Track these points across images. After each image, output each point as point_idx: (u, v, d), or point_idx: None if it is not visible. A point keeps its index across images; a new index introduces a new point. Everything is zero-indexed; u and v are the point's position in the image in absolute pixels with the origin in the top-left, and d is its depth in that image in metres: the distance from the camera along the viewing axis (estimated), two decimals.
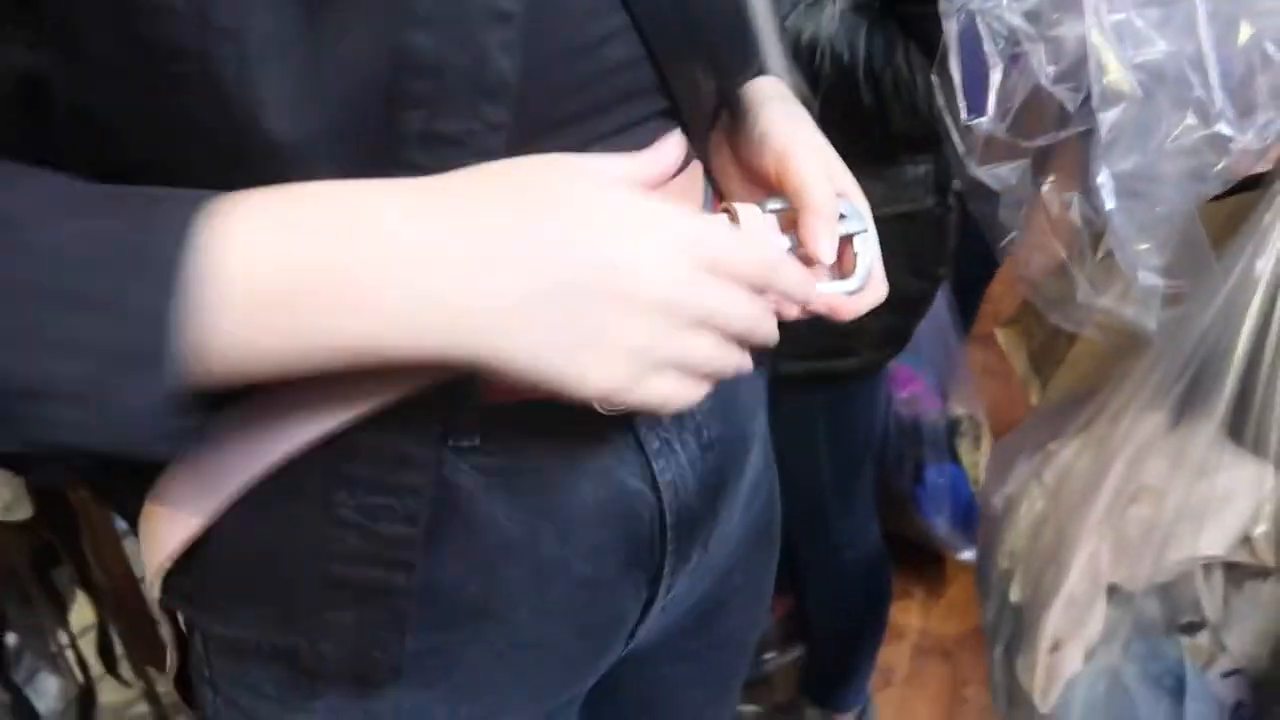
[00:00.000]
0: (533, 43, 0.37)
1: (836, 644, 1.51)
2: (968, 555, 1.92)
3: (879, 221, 1.10)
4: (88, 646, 1.12)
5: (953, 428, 1.83)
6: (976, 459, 1.85)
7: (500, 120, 0.37)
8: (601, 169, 0.41)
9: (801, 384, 1.09)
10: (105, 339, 0.32)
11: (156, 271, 0.32)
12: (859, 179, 1.00)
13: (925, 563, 1.94)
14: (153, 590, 0.45)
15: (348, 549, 0.42)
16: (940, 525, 1.88)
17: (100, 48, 0.34)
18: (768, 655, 1.69)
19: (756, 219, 0.45)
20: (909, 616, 1.93)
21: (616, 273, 0.37)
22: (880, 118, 0.89)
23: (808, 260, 0.47)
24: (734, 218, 0.44)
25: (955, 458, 1.85)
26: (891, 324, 1.08)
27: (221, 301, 0.33)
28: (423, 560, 0.43)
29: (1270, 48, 0.51)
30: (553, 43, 0.39)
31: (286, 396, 0.39)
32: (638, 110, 0.45)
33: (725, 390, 0.52)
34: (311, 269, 0.34)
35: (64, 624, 1.07)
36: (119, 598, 1.09)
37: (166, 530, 0.43)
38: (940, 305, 1.70)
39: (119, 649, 1.12)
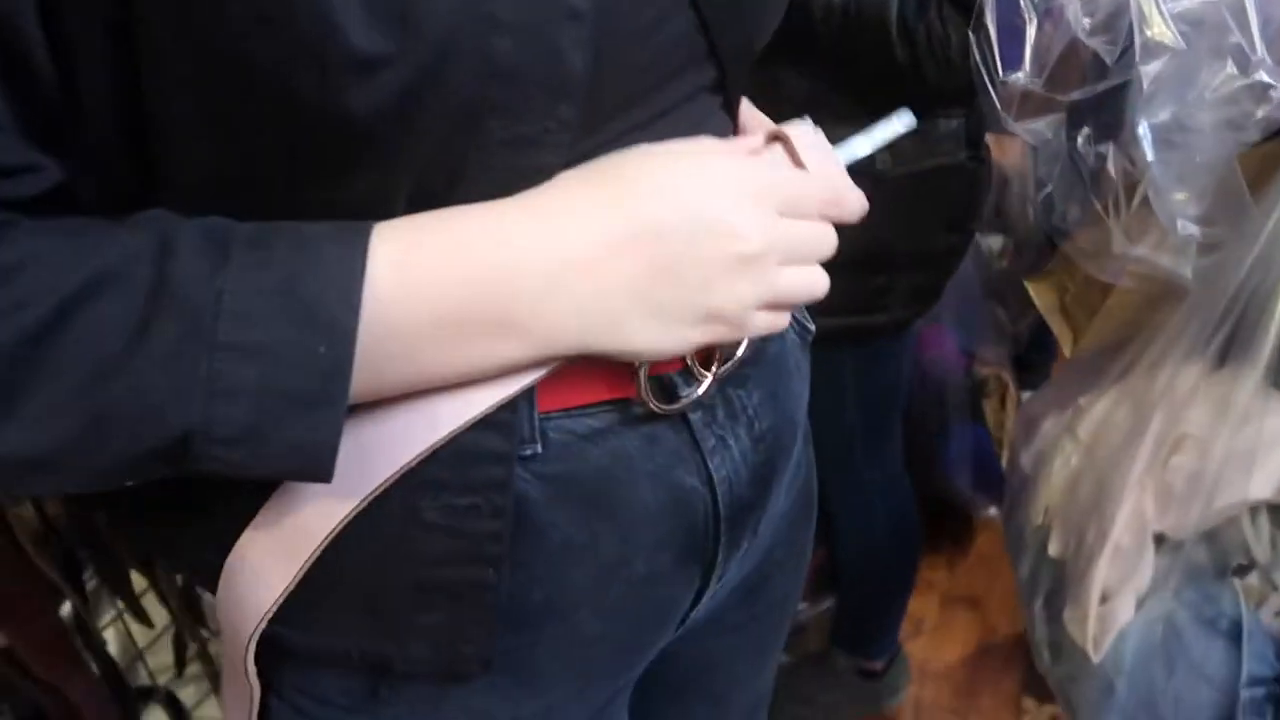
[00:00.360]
0: (600, 35, 0.38)
1: (867, 594, 1.53)
2: (991, 513, 1.94)
3: (912, 177, 1.10)
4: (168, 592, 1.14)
5: (978, 388, 1.84)
6: (1002, 419, 1.86)
7: (571, 117, 0.38)
8: (698, 147, 0.43)
9: (832, 339, 1.10)
10: (275, 386, 0.34)
11: (328, 324, 0.35)
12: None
13: (951, 519, 1.96)
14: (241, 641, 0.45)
15: (436, 552, 0.42)
16: (964, 484, 1.90)
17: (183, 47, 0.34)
18: (799, 606, 1.71)
19: (814, 146, 0.45)
20: (936, 570, 1.96)
21: (717, 237, 0.40)
22: (914, 73, 0.88)
23: None
24: (788, 144, 0.45)
25: (980, 418, 1.86)
26: (923, 280, 1.08)
27: (389, 335, 0.36)
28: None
29: None
30: (617, 31, 0.40)
31: (384, 420, 0.40)
32: (690, 82, 0.45)
33: (777, 381, 0.54)
34: (473, 295, 0.37)
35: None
36: None
37: (259, 590, 0.42)
38: (967, 266, 1.70)
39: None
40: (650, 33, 0.42)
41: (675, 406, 0.46)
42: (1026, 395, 1.87)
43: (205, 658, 1.20)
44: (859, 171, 1.17)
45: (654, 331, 0.40)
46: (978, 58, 0.51)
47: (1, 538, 0.82)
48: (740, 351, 0.49)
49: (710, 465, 0.49)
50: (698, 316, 0.41)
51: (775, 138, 0.45)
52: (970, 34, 0.51)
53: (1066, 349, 0.82)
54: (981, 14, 0.50)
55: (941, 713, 1.66)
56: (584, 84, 0.38)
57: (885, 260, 1.03)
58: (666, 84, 0.44)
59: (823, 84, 0.94)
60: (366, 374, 0.36)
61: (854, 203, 0.46)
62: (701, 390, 0.47)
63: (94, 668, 1.00)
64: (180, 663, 1.22)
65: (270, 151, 0.36)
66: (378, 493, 0.40)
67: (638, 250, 0.39)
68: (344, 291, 0.35)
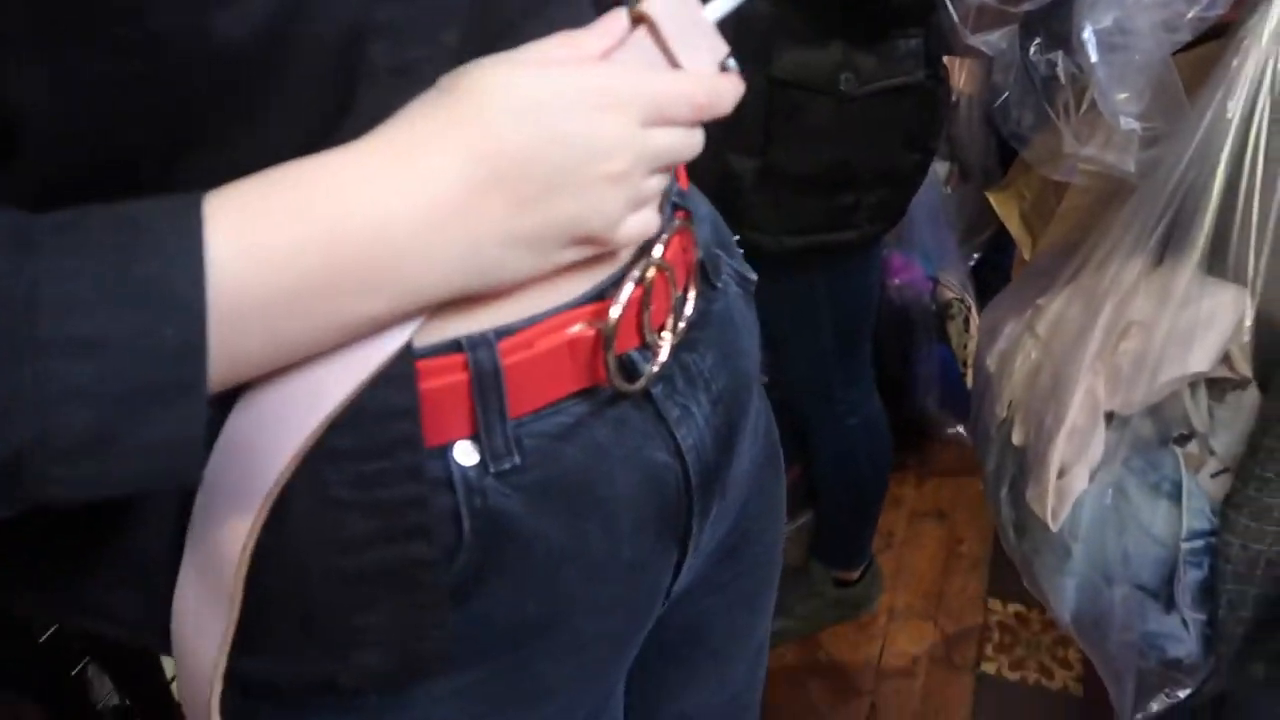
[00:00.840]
0: None
1: (843, 506, 1.59)
2: (957, 430, 2.03)
3: (874, 96, 1.15)
4: None
5: (943, 311, 1.90)
6: (965, 340, 1.93)
7: (453, 43, 0.36)
8: (544, 56, 0.38)
9: (803, 258, 1.15)
10: (119, 381, 0.29)
11: (173, 304, 0.30)
12: (854, 56, 1.07)
13: (918, 438, 2.05)
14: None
15: (357, 534, 0.38)
16: (931, 404, 1.98)
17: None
18: None
19: (678, 17, 0.41)
20: (904, 487, 2.05)
21: (581, 161, 0.37)
22: None
23: None
24: (653, 29, 0.40)
25: (945, 340, 1.93)
26: (888, 197, 1.13)
27: (241, 311, 0.32)
28: (480, 594, 0.42)
29: None
30: None
31: (262, 404, 0.35)
32: (574, 8, 0.43)
33: (726, 339, 0.53)
34: (328, 259, 0.33)
35: None
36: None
37: (203, 643, 0.38)
38: (933, 196, 1.76)
39: None
40: None
41: (641, 382, 0.45)
42: None
43: None
44: (823, 91, 1.22)
45: (525, 262, 0.38)
46: None
47: None
48: (687, 313, 0.49)
49: (677, 436, 0.48)
50: (569, 239, 0.39)
51: (639, 19, 0.40)
52: None
53: (1026, 253, 0.88)
54: None
55: (914, 617, 1.76)
56: (467, 6, 0.36)
57: (852, 178, 1.08)
58: (547, 7, 0.41)
59: (785, 4, 0.98)
60: (223, 357, 0.32)
61: (727, 97, 0.41)
62: (661, 360, 0.46)
63: None
64: None
65: (135, 115, 0.32)
66: (278, 487, 0.35)
67: (502, 189, 0.36)
68: (185, 267, 0.30)
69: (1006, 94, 0.61)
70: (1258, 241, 0.67)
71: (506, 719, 0.47)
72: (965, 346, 1.96)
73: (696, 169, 0.52)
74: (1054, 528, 0.75)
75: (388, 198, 0.34)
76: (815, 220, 1.12)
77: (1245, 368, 0.69)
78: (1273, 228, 0.67)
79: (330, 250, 0.33)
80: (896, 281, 1.87)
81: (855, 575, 1.69)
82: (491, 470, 0.41)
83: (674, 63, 0.40)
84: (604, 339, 0.43)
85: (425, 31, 0.35)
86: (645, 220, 0.41)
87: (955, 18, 0.57)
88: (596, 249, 0.40)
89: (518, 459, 0.42)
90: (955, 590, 1.82)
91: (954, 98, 1.68)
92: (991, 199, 0.87)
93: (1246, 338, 0.67)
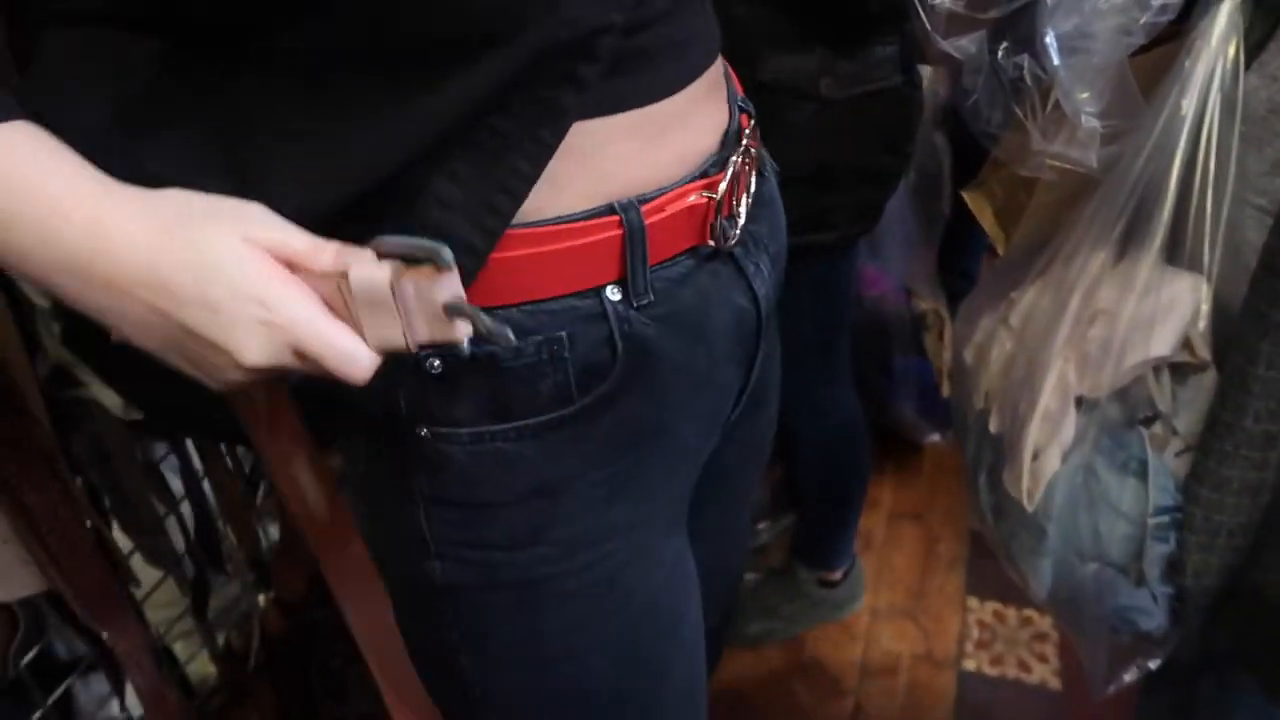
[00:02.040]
0: None
1: (825, 506, 1.63)
2: (933, 438, 2.07)
3: (853, 100, 1.19)
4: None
5: (918, 322, 1.95)
6: (940, 350, 1.98)
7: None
8: (279, 242, 0.46)
9: (788, 259, 1.19)
10: None
11: None
12: (834, 61, 1.13)
13: (895, 445, 2.09)
14: None
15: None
16: (908, 412, 2.02)
17: None
18: (761, 524, 1.82)
19: (368, 302, 0.46)
20: (882, 490, 2.09)
21: (215, 347, 0.45)
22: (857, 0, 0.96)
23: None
24: (345, 285, 0.45)
25: (921, 350, 1.98)
26: (866, 197, 1.17)
27: None
28: (619, 403, 0.55)
29: None
30: None
31: None
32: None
33: (772, 211, 0.67)
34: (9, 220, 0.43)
35: (183, 526, 1.13)
36: (228, 502, 1.17)
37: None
38: (905, 210, 1.81)
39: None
40: None
41: (731, 244, 0.58)
42: None
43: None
44: (805, 95, 1.27)
45: (133, 332, 0.46)
46: None
47: (54, 481, 0.85)
48: (753, 192, 0.62)
49: (754, 286, 0.62)
50: (179, 356, 0.47)
51: (343, 274, 0.46)
52: None
53: (1000, 248, 0.92)
54: None
55: (896, 616, 1.80)
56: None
57: (832, 180, 1.13)
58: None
59: (767, 12, 1.02)
60: None
61: (354, 376, 0.47)
62: (740, 228, 0.59)
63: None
64: (202, 607, 1.25)
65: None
66: None
67: (153, 303, 0.44)
68: None
69: (976, 95, 0.66)
70: (1212, 231, 0.71)
71: (624, 509, 0.59)
72: (940, 356, 2.00)
73: None
74: (1029, 508, 0.79)
75: (81, 247, 0.43)
76: (798, 220, 1.16)
77: (1205, 351, 0.73)
78: (1226, 218, 0.71)
79: (15, 225, 0.43)
80: (872, 293, 1.91)
81: (838, 576, 1.72)
82: (634, 305, 0.54)
83: (355, 322, 0.46)
84: (714, 206, 0.56)
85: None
86: (247, 381, 0.48)
87: (928, 25, 0.61)
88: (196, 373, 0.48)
89: (651, 297, 0.55)
90: (935, 589, 1.86)
91: None
92: (966, 197, 0.91)
93: (1204, 323, 0.72)
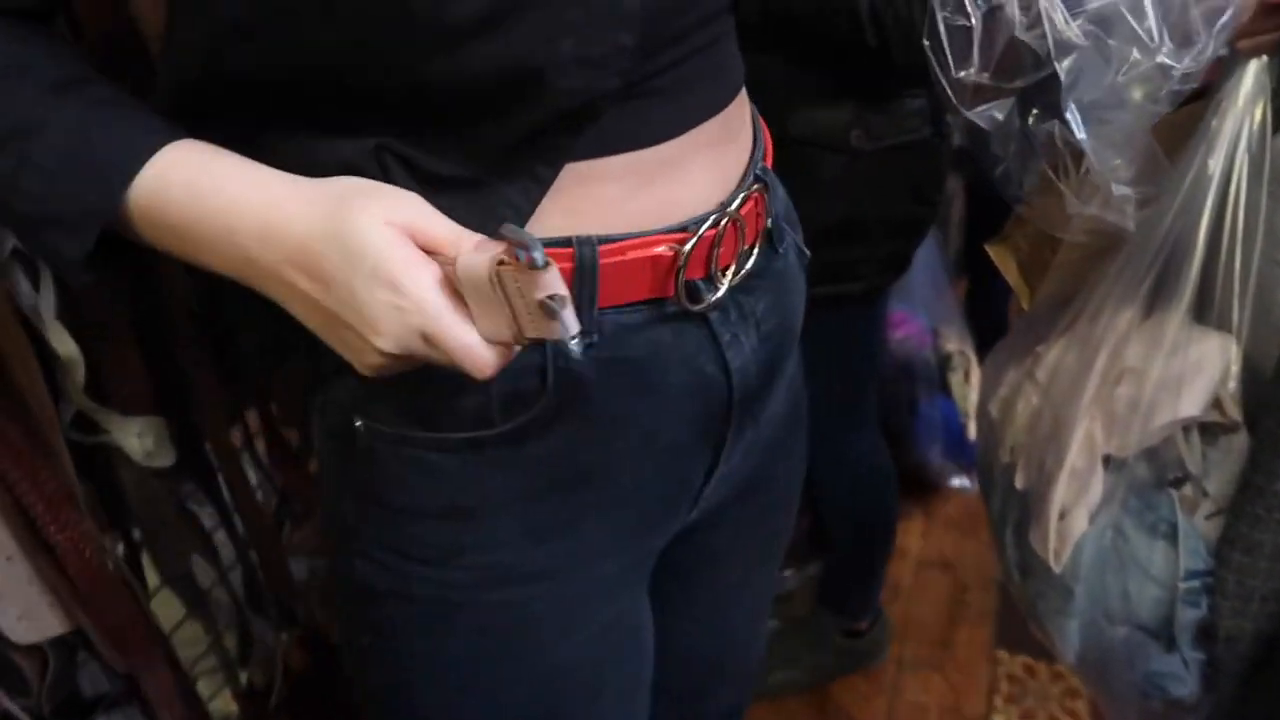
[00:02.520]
0: None
1: (851, 556, 1.61)
2: (959, 482, 2.04)
3: (883, 152, 1.20)
4: (235, 582, 1.20)
5: (944, 364, 1.94)
6: (966, 392, 1.96)
7: (630, 44, 0.48)
8: (423, 229, 0.46)
9: (815, 309, 1.19)
10: (50, 207, 0.48)
11: (104, 183, 0.47)
12: (865, 114, 1.13)
13: (921, 490, 2.06)
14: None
15: None
16: (934, 455, 2.00)
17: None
18: (787, 572, 1.81)
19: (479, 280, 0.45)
20: (910, 537, 2.06)
21: (356, 327, 0.47)
22: (883, 55, 0.97)
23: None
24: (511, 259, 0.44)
25: (947, 392, 1.97)
26: (895, 249, 1.17)
27: (131, 216, 0.49)
28: (546, 437, 0.54)
29: None
30: None
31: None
32: (713, 30, 0.55)
33: (781, 292, 0.65)
34: (192, 226, 0.48)
35: (214, 562, 1.14)
36: (258, 540, 1.17)
37: None
38: (932, 252, 1.81)
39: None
40: None
41: (701, 306, 0.56)
42: None
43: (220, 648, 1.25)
44: (835, 148, 1.26)
45: (299, 310, 0.49)
46: (932, 59, 0.61)
47: (81, 520, 0.86)
48: (750, 263, 0.60)
49: (726, 356, 0.59)
50: (332, 331, 0.48)
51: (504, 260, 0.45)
52: (925, 41, 0.61)
53: (1025, 303, 0.92)
54: (933, 20, 0.60)
55: (922, 668, 1.76)
56: (638, 17, 0.47)
57: (861, 231, 1.13)
58: (703, 27, 0.54)
59: (800, 65, 1.03)
60: (131, 230, 0.49)
61: (483, 372, 0.47)
62: (719, 294, 0.57)
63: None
64: (247, 651, 1.26)
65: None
66: None
67: (308, 285, 0.47)
68: (123, 172, 0.47)
69: (1006, 163, 0.66)
70: (1241, 291, 0.71)
71: (549, 551, 0.58)
72: (966, 398, 1.99)
73: None
74: (1056, 569, 0.78)
75: (250, 235, 0.47)
76: (825, 272, 1.16)
77: (1235, 412, 0.72)
78: (1255, 277, 0.71)
79: (198, 230, 0.48)
80: (898, 335, 1.91)
81: (864, 626, 1.69)
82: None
83: (470, 315, 0.46)
84: (678, 262, 0.54)
85: (604, 34, 0.47)
86: (388, 366, 0.49)
87: (953, 97, 0.62)
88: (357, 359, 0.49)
89: (596, 337, 0.54)
90: (963, 641, 1.82)
91: None
92: (991, 252, 0.91)
93: (1234, 383, 0.71)
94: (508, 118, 0.48)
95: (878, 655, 1.73)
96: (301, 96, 0.49)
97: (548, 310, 0.44)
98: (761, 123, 0.65)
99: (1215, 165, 0.70)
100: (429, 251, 0.46)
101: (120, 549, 1.03)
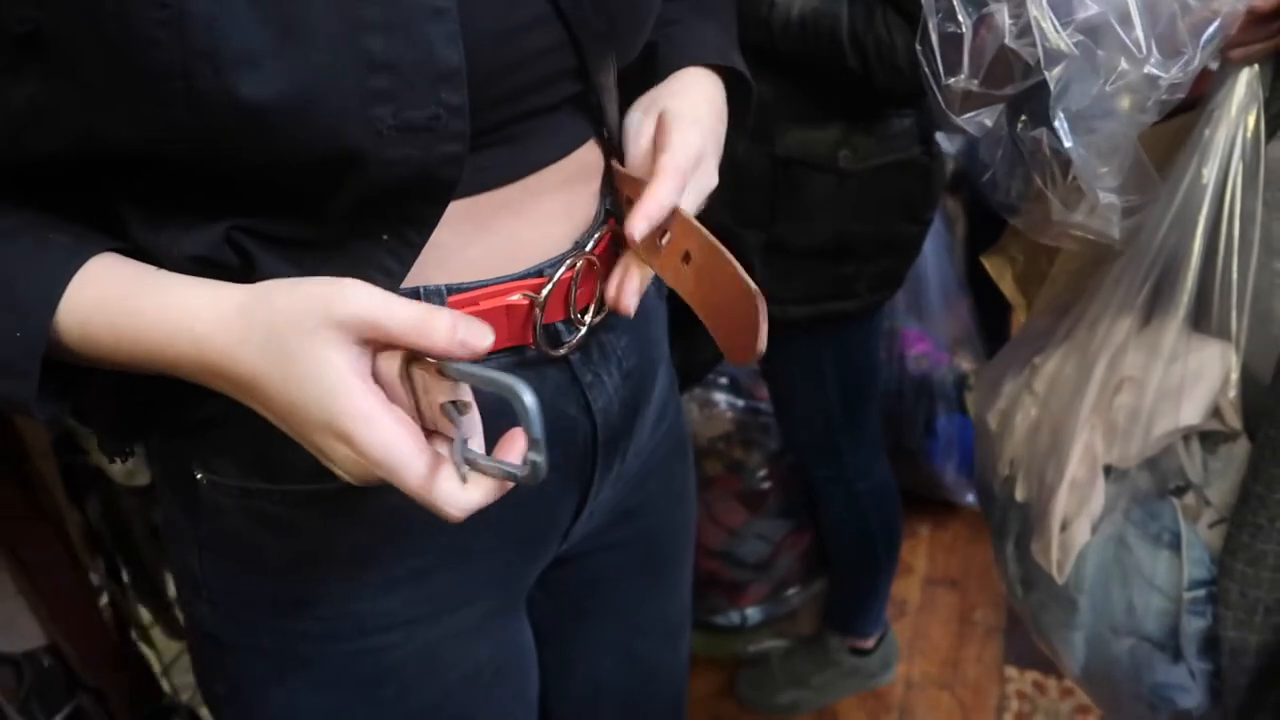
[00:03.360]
0: (466, 32, 0.43)
1: (855, 573, 1.60)
2: (972, 499, 2.03)
3: (872, 172, 1.20)
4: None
5: (961, 382, 1.94)
6: None
7: (458, 103, 0.43)
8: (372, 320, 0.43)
9: (807, 326, 1.19)
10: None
11: (31, 320, 0.43)
12: (851, 134, 1.14)
13: (930, 506, 2.05)
14: None
15: None
16: (949, 472, 1.99)
17: (95, 75, 0.40)
18: (791, 590, 1.79)
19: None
20: (917, 555, 2.04)
21: (320, 452, 0.44)
22: (865, 78, 0.98)
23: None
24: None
25: (964, 409, 1.96)
26: (887, 267, 1.18)
27: (69, 342, 0.44)
28: (393, 488, 0.49)
29: None
30: (485, 31, 0.45)
31: None
32: (559, 91, 0.51)
33: (639, 326, 0.62)
34: (128, 349, 0.44)
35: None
36: None
37: None
38: (946, 272, 1.82)
39: None
40: (519, 34, 0.47)
41: (562, 350, 0.55)
42: None
43: None
44: (823, 168, 1.28)
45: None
46: (924, 65, 0.61)
47: (56, 541, 0.87)
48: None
49: (589, 397, 0.58)
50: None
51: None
52: (917, 48, 0.61)
53: (1021, 314, 0.92)
54: (925, 27, 0.60)
55: (931, 687, 1.74)
56: (462, 73, 0.43)
57: (853, 249, 1.13)
58: (540, 89, 0.49)
59: (786, 88, 1.04)
60: (64, 354, 0.45)
61: (446, 517, 0.45)
62: (579, 336, 0.55)
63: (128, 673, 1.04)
64: None
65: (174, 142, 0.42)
66: None
67: (262, 410, 0.44)
68: (46, 301, 0.43)
69: (994, 169, 0.66)
70: (1239, 299, 0.71)
71: (403, 600, 0.56)
72: None
73: None
74: (1059, 580, 0.77)
75: (191, 360, 0.44)
76: (820, 290, 1.16)
77: (1235, 420, 0.71)
78: (1252, 285, 0.71)
79: (134, 352, 0.44)
80: (914, 353, 1.91)
81: (871, 644, 1.68)
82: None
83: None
84: (535, 310, 0.52)
85: (423, 95, 0.42)
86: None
87: (943, 103, 0.62)
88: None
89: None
90: (971, 659, 1.80)
91: None
92: (986, 263, 0.91)
93: (1234, 391, 0.70)
94: (349, 192, 0.44)
95: (885, 674, 1.72)
96: (132, 179, 0.46)
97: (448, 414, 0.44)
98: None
99: (1209, 174, 0.70)
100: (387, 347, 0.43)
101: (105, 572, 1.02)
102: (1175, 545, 0.72)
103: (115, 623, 1.04)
